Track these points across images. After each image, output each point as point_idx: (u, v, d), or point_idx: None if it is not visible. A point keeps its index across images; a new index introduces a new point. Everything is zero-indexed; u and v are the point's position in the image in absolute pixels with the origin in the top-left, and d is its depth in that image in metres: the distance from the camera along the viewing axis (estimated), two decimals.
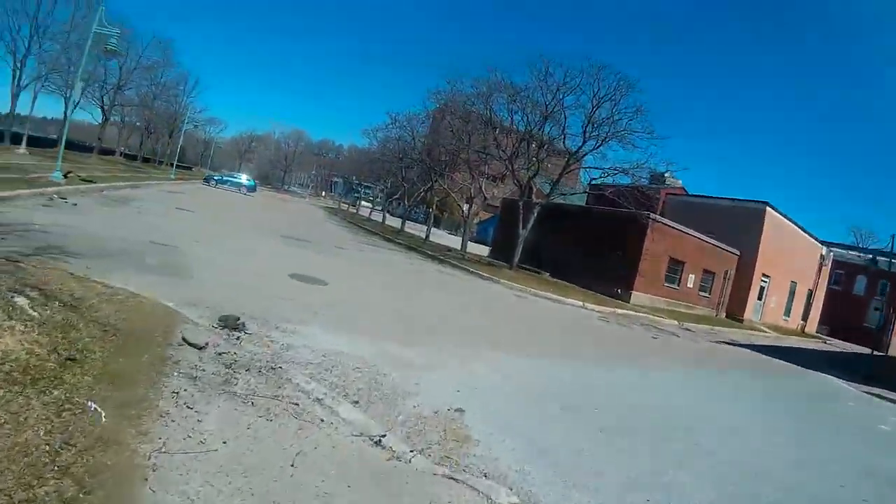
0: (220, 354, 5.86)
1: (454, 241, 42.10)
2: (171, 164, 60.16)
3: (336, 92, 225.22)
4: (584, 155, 26.79)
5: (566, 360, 10.97)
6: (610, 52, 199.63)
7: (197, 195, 33.70)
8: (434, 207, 41.78)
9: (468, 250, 30.63)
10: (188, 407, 4.40)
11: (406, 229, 41.94)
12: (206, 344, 5.93)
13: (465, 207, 34.49)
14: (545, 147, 28.02)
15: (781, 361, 20.32)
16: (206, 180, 54.03)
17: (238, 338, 6.66)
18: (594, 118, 25.46)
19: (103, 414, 3.79)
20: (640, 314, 22.33)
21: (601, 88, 25.07)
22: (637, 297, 25.79)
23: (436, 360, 8.08)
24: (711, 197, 38.48)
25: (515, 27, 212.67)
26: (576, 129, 26.64)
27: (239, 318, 7.24)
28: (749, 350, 21.72)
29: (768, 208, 34.23)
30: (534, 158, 28.13)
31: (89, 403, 3.87)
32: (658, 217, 27.95)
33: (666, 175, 36.09)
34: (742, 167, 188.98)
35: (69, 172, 21.40)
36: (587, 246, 27.59)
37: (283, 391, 5.33)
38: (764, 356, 20.73)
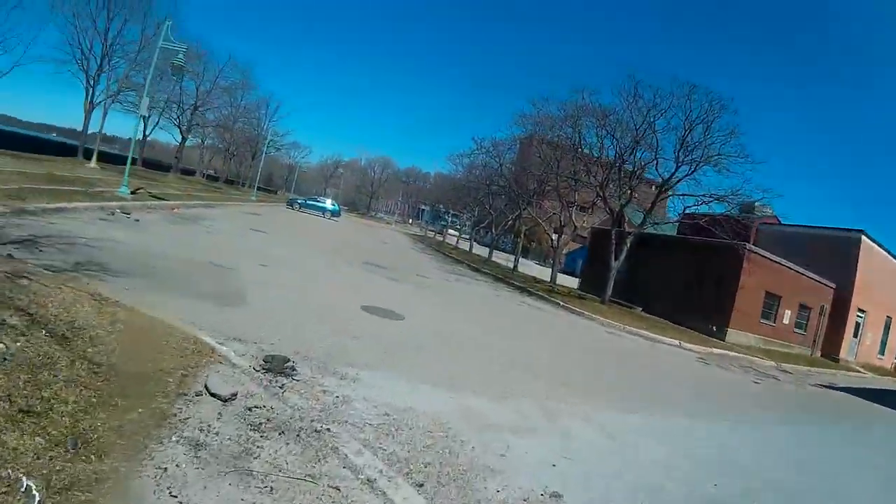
0: (249, 410, 4.76)
1: (542, 272, 41.18)
2: (253, 187, 62.02)
3: (423, 117, 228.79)
4: (678, 182, 25.22)
5: (676, 414, 9.35)
6: (701, 69, 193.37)
7: (276, 217, 34.52)
8: (522, 237, 41.49)
9: (557, 282, 30.34)
10: (172, 494, 3.25)
11: (493, 259, 41.43)
12: (234, 395, 4.92)
13: (554, 237, 33.68)
14: (637, 174, 26.79)
15: None
16: (290, 203, 55.59)
17: (282, 386, 5.58)
18: (686, 142, 24.11)
19: (38, 499, 2.77)
20: (737, 354, 20.74)
21: (692, 110, 23.77)
22: (732, 335, 24.28)
23: (526, 419, 6.67)
24: (803, 226, 36.35)
25: (605, 42, 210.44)
26: (667, 154, 25.28)
27: (289, 360, 6.30)
28: (855, 396, 19.60)
29: (864, 237, 31.64)
30: (626, 186, 26.87)
31: (23, 480, 2.84)
32: (754, 247, 26.32)
33: (756, 204, 34.94)
34: (834, 191, 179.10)
35: (139, 188, 21.85)
36: (680, 279, 26.30)
37: (322, 467, 4.10)
38: (880, 405, 18.57)
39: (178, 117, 52.98)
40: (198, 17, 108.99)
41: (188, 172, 65.08)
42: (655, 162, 25.53)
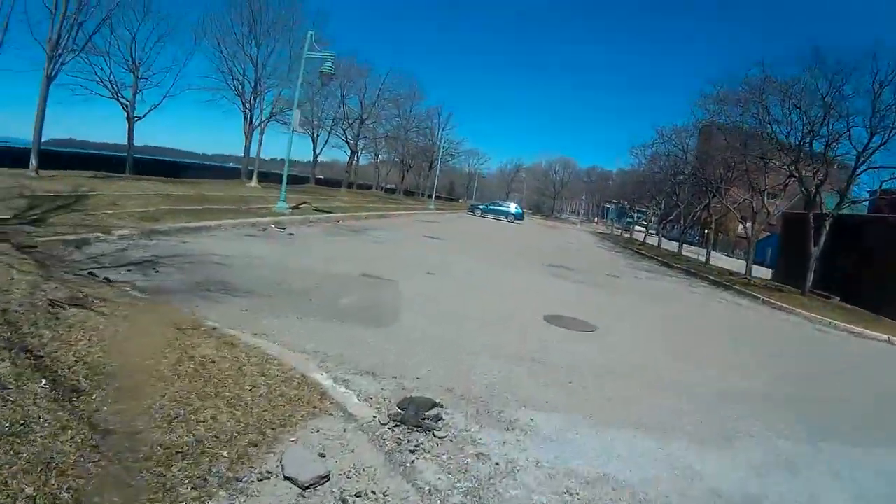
0: None
1: (732, 264, 39.25)
2: (430, 196, 64.90)
3: (601, 114, 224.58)
4: (872, 152, 23.01)
5: None
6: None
7: (454, 224, 35.30)
8: (712, 228, 40.43)
9: (751, 274, 29.44)
10: None
11: (683, 252, 40.42)
12: (324, 477, 3.28)
13: (747, 226, 32.25)
14: (832, 146, 24.69)
15: None
16: (471, 209, 57.46)
17: (415, 448, 3.98)
18: (877, 107, 21.87)
19: None
20: None
21: (879, 70, 21.55)
22: None
23: (764, 483, 4.58)
24: None
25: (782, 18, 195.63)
26: (858, 122, 23.01)
27: (435, 404, 4.80)
28: None
29: None
30: (820, 162, 24.97)
31: None
32: None
33: None
34: None
35: (303, 203, 22.30)
36: (883, 263, 23.37)
37: None
38: None
39: (345, 132, 55.91)
40: (353, 33, 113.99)
41: (364, 187, 68.75)
42: (848, 133, 23.67)
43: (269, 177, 39.86)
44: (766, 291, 23.30)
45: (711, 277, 26.22)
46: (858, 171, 23.85)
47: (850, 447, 5.92)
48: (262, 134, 38.50)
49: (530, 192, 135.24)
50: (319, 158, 58.82)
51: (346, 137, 56.13)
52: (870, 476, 5.22)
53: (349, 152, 58.31)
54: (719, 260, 44.46)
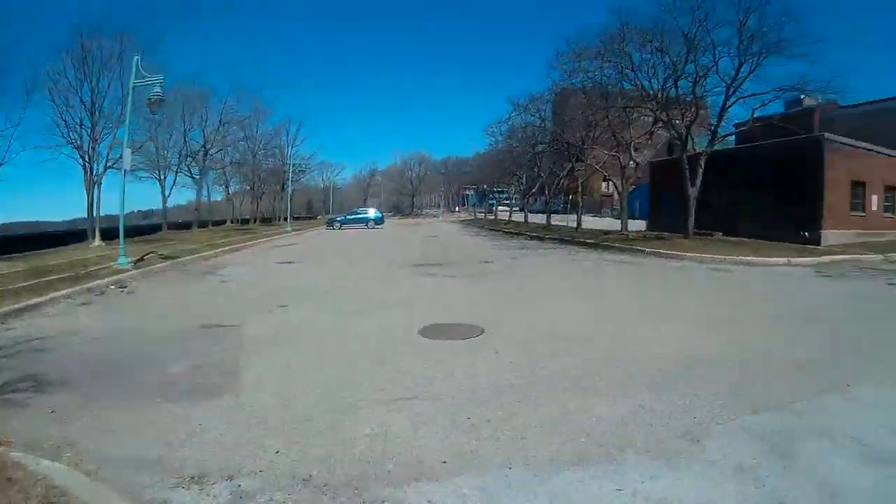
0: None
1: (604, 223, 38.92)
2: (286, 219, 59.88)
3: (451, 101, 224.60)
4: (742, 81, 22.37)
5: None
6: None
7: (312, 242, 32.95)
8: (580, 191, 38.76)
9: (638, 228, 28.89)
10: None
11: (552, 223, 39.28)
12: None
13: (617, 183, 30.95)
14: (700, 82, 23.64)
15: None
16: (329, 224, 54.89)
17: None
18: (742, 36, 21.39)
19: None
20: (841, 256, 18.15)
21: None
22: (827, 236, 21.68)
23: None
24: (870, 102, 34.08)
25: None
26: (724, 53, 22.49)
27: None
28: None
29: None
30: (689, 103, 24.28)
31: None
32: (831, 136, 23.32)
33: (803, 98, 32.91)
34: None
35: (148, 253, 20.07)
36: (755, 192, 23.79)
37: None
38: None
39: (188, 167, 51.06)
40: (191, 59, 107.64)
41: (220, 223, 63.75)
42: (716, 67, 22.92)
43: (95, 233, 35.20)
44: (646, 242, 22.15)
45: (589, 241, 24.73)
46: (729, 102, 23.05)
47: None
48: (99, 186, 34.08)
49: (388, 195, 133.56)
50: (174, 202, 54.97)
51: (190, 173, 51.40)
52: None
53: (196, 189, 53.20)
54: (588, 222, 44.40)
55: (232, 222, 66.85)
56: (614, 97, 27.31)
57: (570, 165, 36.88)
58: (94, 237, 30.95)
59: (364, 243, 30.67)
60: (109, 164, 32.61)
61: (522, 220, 47.50)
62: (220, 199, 69.28)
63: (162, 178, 47.88)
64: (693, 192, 22.97)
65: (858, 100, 32.68)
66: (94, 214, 33.12)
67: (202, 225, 52.68)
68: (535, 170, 43.57)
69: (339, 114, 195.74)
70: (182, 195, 68.93)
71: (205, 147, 51.22)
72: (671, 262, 17.75)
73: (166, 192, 48.99)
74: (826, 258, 17.54)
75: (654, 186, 32.17)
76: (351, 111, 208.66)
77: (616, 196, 35.49)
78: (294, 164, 66.38)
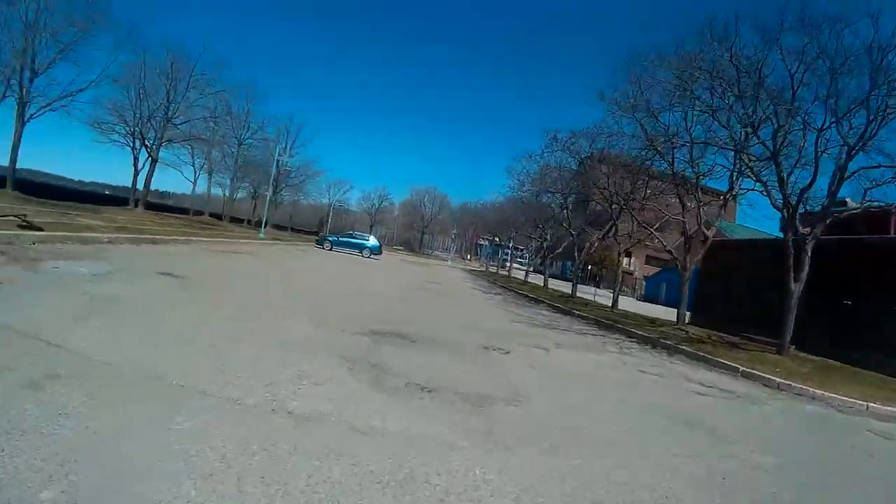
0: None
1: (629, 303, 32.62)
2: (263, 224, 52.10)
3: (476, 145, 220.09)
4: (869, 139, 14.92)
5: None
6: None
7: (267, 258, 24.48)
8: (618, 260, 29.97)
9: (669, 316, 21.67)
10: None
11: (577, 293, 32.13)
12: None
13: (678, 260, 22.29)
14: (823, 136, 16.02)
15: None
16: (320, 242, 47.92)
17: None
18: (877, 80, 14.41)
19: None
20: None
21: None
22: None
23: None
24: None
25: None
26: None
27: None
28: None
29: None
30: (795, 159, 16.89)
31: None
32: None
33: None
34: None
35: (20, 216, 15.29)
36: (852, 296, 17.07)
37: None
38: None
39: (137, 130, 42.96)
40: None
41: (198, 214, 59.47)
42: (804, 125, 16.30)
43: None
44: (729, 354, 14.54)
45: (637, 331, 17.30)
46: (848, 170, 15.75)
47: None
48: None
49: (399, 229, 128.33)
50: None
51: (143, 140, 43.56)
52: None
53: (142, 158, 44.54)
54: (609, 298, 37.15)
55: (211, 216, 61.43)
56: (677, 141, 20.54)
57: (611, 225, 29.37)
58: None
59: (335, 275, 23.05)
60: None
61: (539, 282, 40.55)
62: (220, 193, 64.63)
63: (133, 145, 42.91)
64: (797, 288, 15.67)
65: None
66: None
67: (155, 208, 48.69)
68: (565, 225, 35.84)
69: (354, 133, 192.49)
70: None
71: (167, 111, 43.77)
72: (799, 404, 10.30)
73: (139, 167, 43.83)
74: None
75: (709, 270, 24.54)
76: (372, 134, 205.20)
77: (636, 274, 28.19)
78: (287, 166, 60.61)
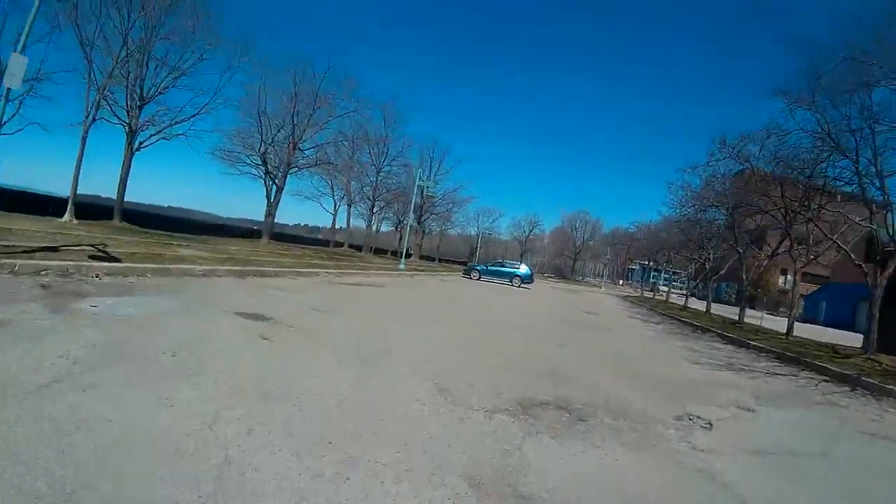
0: None
1: (807, 331, 28.56)
2: (403, 254, 48.29)
3: (628, 169, 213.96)
4: None
5: None
6: None
7: (406, 290, 23.41)
8: (797, 276, 25.47)
9: (838, 339, 18.64)
10: None
11: (723, 315, 28.96)
12: None
13: (868, 278, 18.58)
14: None
15: None
16: (467, 272, 47.00)
17: None
18: None
19: None
20: None
21: None
22: None
23: None
24: None
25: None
26: None
27: None
28: None
29: None
30: None
31: None
32: None
33: None
34: None
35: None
36: None
37: None
38: None
39: (261, 157, 40.09)
40: None
41: (339, 245, 60.08)
42: None
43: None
44: None
45: (829, 366, 14.88)
46: None
47: None
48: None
49: (550, 256, 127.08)
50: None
51: (265, 167, 40.46)
52: None
53: (274, 188, 41.30)
54: (773, 321, 34.07)
55: (351, 247, 61.76)
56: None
57: (786, 237, 26.28)
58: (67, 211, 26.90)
59: (484, 308, 21.08)
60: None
61: (697, 306, 39.10)
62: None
63: (265, 178, 41.06)
64: None
65: None
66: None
67: (292, 240, 49.61)
68: (731, 242, 32.72)
69: (500, 158, 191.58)
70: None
71: (293, 136, 40.36)
72: None
73: (271, 197, 41.24)
74: None
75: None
76: (522, 159, 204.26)
77: (794, 293, 25.12)
78: (431, 193, 58.58)
